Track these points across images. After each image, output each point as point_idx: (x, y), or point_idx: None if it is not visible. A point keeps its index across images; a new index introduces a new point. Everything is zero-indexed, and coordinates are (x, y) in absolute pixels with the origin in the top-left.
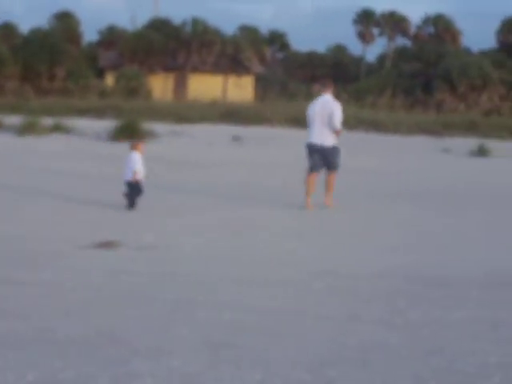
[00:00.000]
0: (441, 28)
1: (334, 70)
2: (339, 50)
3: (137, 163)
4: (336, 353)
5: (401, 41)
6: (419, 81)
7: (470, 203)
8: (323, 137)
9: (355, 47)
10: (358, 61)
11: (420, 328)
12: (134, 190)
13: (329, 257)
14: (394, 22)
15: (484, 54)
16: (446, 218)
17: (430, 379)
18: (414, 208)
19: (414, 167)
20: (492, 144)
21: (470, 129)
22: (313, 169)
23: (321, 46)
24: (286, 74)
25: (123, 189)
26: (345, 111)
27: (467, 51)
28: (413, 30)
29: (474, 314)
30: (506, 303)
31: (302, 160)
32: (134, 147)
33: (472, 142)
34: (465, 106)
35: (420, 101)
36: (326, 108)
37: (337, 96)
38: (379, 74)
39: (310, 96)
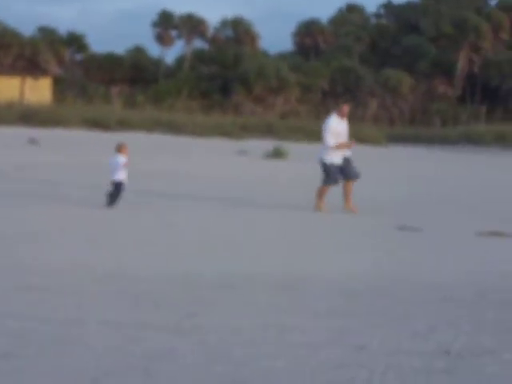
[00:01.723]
0: (239, 31)
1: (133, 72)
2: (138, 52)
3: (121, 166)
4: (119, 361)
5: (199, 43)
6: (217, 83)
7: (261, 204)
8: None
9: (154, 49)
10: (157, 63)
11: (207, 333)
12: (117, 190)
13: (114, 258)
14: (191, 25)
15: (281, 56)
16: (230, 218)
17: None
18: (200, 209)
19: (209, 169)
20: (288, 146)
21: (266, 131)
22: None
23: (120, 48)
24: (85, 75)
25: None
26: (142, 113)
27: (265, 54)
28: (211, 32)
29: (262, 318)
30: (292, 307)
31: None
32: (119, 150)
33: (268, 144)
34: (262, 109)
35: (218, 103)
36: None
37: (133, 98)
38: (177, 77)
39: (109, 98)
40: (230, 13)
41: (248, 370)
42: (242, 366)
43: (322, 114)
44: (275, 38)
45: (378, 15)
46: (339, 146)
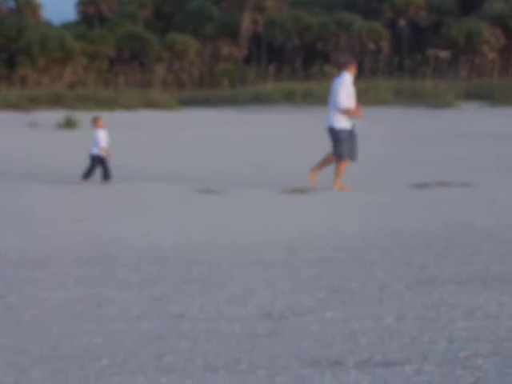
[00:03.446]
0: (20, 2)
1: None
2: None
3: (103, 140)
4: None
5: None
6: (2, 57)
7: (62, 177)
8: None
9: None
10: None
11: (20, 313)
12: (95, 165)
13: None
14: None
15: (65, 26)
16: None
17: (30, 366)
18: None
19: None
20: (79, 115)
21: (56, 102)
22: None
23: None
24: None
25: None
26: None
27: (49, 25)
28: None
29: (76, 293)
30: (105, 280)
31: None
32: (95, 124)
33: (59, 115)
34: (49, 80)
35: (3, 76)
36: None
37: None
38: None
39: None
40: None
41: (67, 348)
42: (61, 344)
43: (109, 81)
44: (59, 8)
45: None
46: (353, 111)
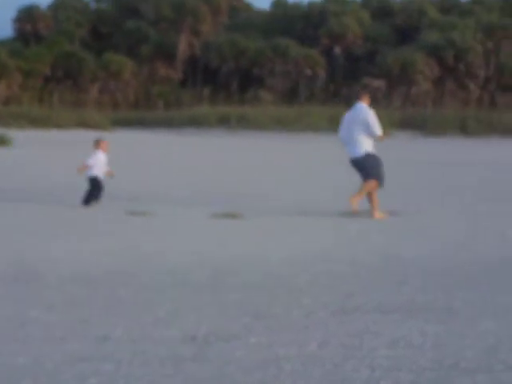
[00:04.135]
0: None
1: None
2: None
3: (94, 159)
4: None
5: None
6: None
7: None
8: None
9: None
10: None
11: None
12: (95, 188)
13: None
14: None
15: (0, 43)
16: None
17: None
18: None
19: None
20: (12, 133)
21: None
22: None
23: None
24: None
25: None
26: None
27: None
28: None
29: (0, 312)
30: (29, 300)
31: None
32: (97, 146)
33: None
34: None
35: None
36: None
37: None
38: None
39: None
40: None
41: None
42: None
43: (44, 99)
44: None
45: (97, 0)
46: (384, 137)
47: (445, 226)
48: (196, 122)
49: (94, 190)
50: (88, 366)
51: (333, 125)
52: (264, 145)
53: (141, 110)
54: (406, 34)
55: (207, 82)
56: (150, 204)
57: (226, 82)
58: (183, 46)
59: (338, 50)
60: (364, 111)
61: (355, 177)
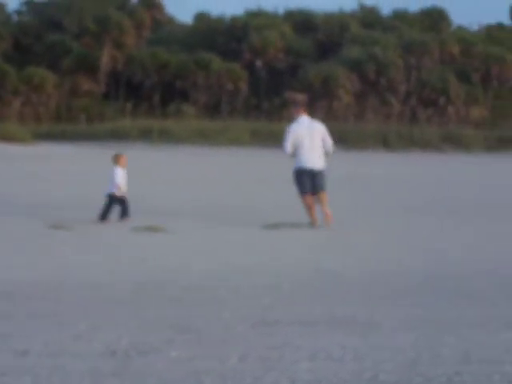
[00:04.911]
0: None
1: None
2: None
3: (119, 177)
4: None
5: None
6: None
7: None
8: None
9: None
10: None
11: None
12: (112, 204)
13: None
14: None
15: None
16: None
17: None
18: None
19: None
20: None
21: None
22: None
23: None
24: None
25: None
26: None
27: None
28: None
29: None
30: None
31: None
32: (116, 161)
33: None
34: None
35: None
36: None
37: None
38: None
39: None
40: None
41: None
42: None
43: None
44: None
45: (19, 12)
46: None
47: (368, 239)
48: (118, 136)
49: (111, 205)
50: (7, 380)
51: (255, 138)
52: (185, 158)
53: (63, 123)
54: (328, 49)
55: (130, 95)
56: (69, 218)
57: (149, 96)
58: (106, 59)
59: (259, 63)
60: (321, 125)
61: (279, 189)
